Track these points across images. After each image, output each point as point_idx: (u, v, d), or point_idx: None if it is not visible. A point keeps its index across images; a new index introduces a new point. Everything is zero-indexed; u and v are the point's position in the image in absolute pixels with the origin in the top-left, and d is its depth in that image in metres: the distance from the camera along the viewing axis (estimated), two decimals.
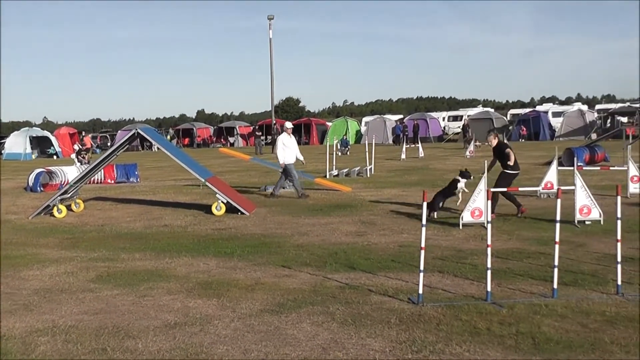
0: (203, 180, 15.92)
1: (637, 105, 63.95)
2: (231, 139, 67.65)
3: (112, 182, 25.93)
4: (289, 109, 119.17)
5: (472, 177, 14.51)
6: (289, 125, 19.89)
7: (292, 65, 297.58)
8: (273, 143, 50.17)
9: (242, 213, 15.32)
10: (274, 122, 57.19)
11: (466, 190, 14.28)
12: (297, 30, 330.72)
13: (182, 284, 9.00)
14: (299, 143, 60.80)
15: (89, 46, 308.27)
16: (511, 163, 14.02)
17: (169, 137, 63.75)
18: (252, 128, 67.94)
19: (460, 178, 14.45)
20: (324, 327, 6.90)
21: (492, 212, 13.22)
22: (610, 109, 61.87)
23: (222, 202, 15.50)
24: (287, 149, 18.61)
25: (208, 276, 9.41)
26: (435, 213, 14.17)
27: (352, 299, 7.90)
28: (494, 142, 14.62)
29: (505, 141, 15.46)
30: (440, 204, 14.54)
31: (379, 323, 6.95)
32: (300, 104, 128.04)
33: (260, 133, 53.51)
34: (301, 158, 19.05)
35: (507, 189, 12.90)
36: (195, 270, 9.86)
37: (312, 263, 10.04)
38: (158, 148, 17.89)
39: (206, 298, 8.21)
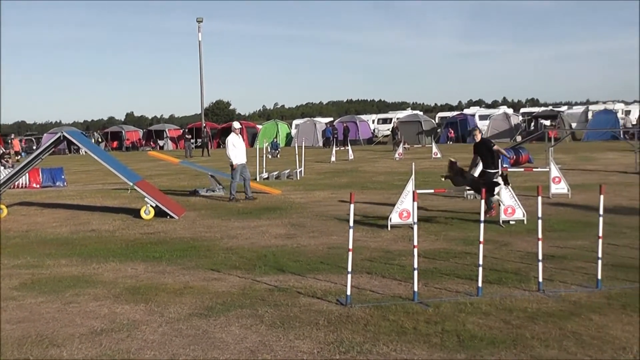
0: (131, 184, 15.73)
1: (560, 109, 65.78)
2: (161, 142, 66.79)
3: (38, 186, 25.35)
4: (219, 112, 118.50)
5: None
6: (237, 125, 19.76)
7: (222, 68, 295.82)
8: (203, 146, 49.82)
9: (171, 217, 15.18)
10: (204, 125, 56.78)
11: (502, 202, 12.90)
12: (227, 33, 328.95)
13: (109, 289, 8.87)
14: None
15: (12, 46, 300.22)
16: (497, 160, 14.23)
17: (93, 140, 62.60)
18: (182, 131, 67.27)
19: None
20: (253, 329, 6.91)
21: (490, 209, 13.51)
22: (534, 112, 63.31)
23: (151, 205, 15.33)
24: (236, 149, 18.50)
25: (136, 281, 9.30)
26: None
27: (280, 302, 7.93)
28: (479, 137, 14.88)
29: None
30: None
31: (308, 325, 7.00)
32: (231, 107, 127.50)
33: (190, 136, 52.98)
34: (245, 160, 18.96)
35: (435, 191, 13.11)
36: (122, 275, 9.73)
37: (242, 266, 10.03)
38: (85, 151, 17.58)
39: (134, 303, 8.11)
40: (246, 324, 7.10)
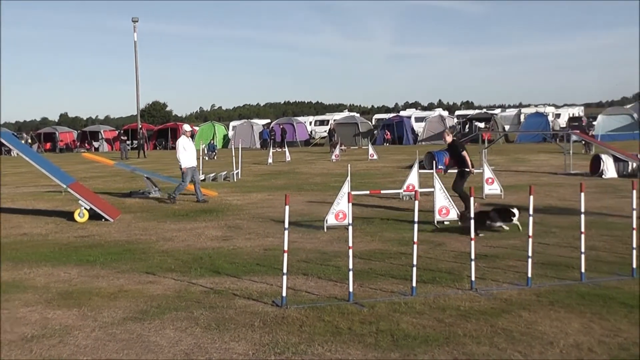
0: (65, 186, 15.43)
1: (493, 112, 67.03)
2: (96, 144, 65.69)
3: None
4: (155, 113, 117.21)
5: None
6: (187, 128, 19.52)
7: (158, 69, 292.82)
8: (139, 148, 49.18)
9: (106, 219, 14.95)
10: (140, 126, 56.02)
11: (505, 228, 12.55)
12: (163, 33, 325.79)
13: (41, 294, 8.69)
14: (165, 148, 59.54)
15: None
16: (468, 162, 14.57)
17: (24, 141, 61.19)
18: (117, 132, 66.26)
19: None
20: (188, 332, 6.87)
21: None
22: (469, 114, 64.41)
23: (85, 208, 15.07)
24: (187, 152, 18.28)
25: (69, 285, 9.13)
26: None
27: (216, 304, 7.90)
28: (448, 139, 15.20)
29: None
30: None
31: (243, 326, 6.99)
32: (167, 108, 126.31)
33: (125, 138, 52.29)
34: (196, 163, 18.94)
35: (371, 192, 13.23)
36: (55, 279, 9.54)
37: (177, 269, 9.95)
38: (17, 153, 17.18)
39: (66, 308, 7.97)
40: (181, 327, 7.05)
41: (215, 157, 41.97)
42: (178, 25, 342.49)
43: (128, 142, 52.28)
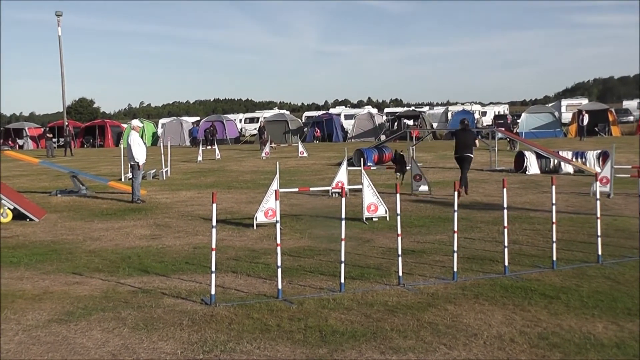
0: None
1: (421, 109, 67.98)
2: (20, 142, 63.97)
3: None
4: (82, 110, 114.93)
5: None
6: (137, 123, 18.95)
7: (85, 65, 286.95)
8: (66, 146, 48.12)
9: (30, 219, 14.61)
10: (67, 123, 54.84)
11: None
12: (89, 29, 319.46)
13: None
14: (92, 145, 58.41)
15: None
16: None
17: None
18: (42, 130, 64.69)
19: None
20: (115, 333, 6.80)
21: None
22: (398, 112, 65.13)
23: (9, 208, 14.70)
24: (141, 148, 17.88)
25: None
26: None
27: (144, 303, 7.83)
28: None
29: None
30: None
31: (171, 325, 6.96)
32: (95, 105, 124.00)
33: (51, 135, 51.07)
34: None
35: (299, 189, 13.29)
36: None
37: (105, 269, 9.81)
38: None
39: None
40: (108, 328, 6.97)
41: None
42: (105, 20, 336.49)
43: (54, 140, 51.09)
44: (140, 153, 17.76)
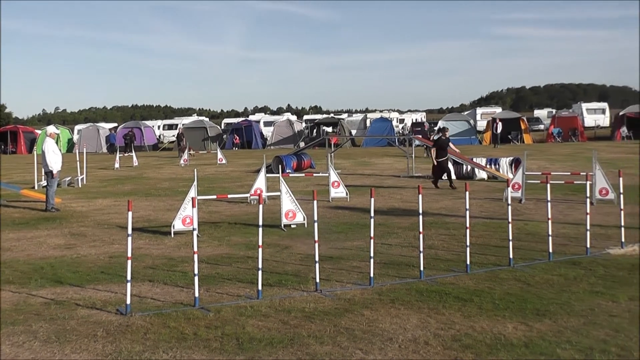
0: None
1: (340, 117, 68.54)
2: None
3: None
4: None
5: None
6: (53, 129, 18.41)
7: None
8: None
9: None
10: None
11: None
12: (2, 32, 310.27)
13: None
14: (4, 152, 56.72)
15: None
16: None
17: None
18: None
19: None
20: (25, 347, 6.61)
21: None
22: (317, 119, 65.51)
23: None
24: (57, 155, 17.33)
25: None
26: None
27: (57, 315, 7.65)
28: (447, 135, 20.70)
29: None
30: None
31: (85, 337, 6.82)
32: (6, 110, 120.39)
33: None
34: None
35: (218, 196, 13.18)
36: None
37: (16, 280, 9.52)
38: None
39: None
40: (18, 342, 6.77)
41: None
42: (18, 20, 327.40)
43: None
44: (55, 161, 17.31)
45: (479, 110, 71.54)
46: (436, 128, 51.55)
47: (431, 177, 23.17)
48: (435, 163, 20.73)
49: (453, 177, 21.09)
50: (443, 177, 20.65)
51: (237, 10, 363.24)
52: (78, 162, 26.53)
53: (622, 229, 10.88)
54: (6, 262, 10.91)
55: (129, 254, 7.62)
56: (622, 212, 11.01)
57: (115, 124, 77.80)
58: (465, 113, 71.09)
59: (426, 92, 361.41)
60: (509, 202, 10.13)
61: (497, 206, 15.78)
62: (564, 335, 6.53)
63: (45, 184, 22.52)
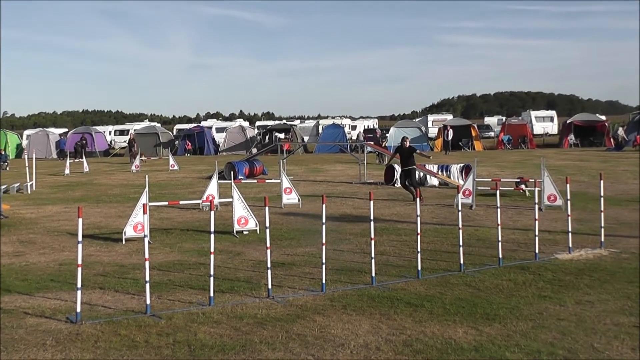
0: None
1: (293, 123, 68.58)
2: None
3: None
4: None
5: None
6: None
7: None
8: None
9: None
10: None
11: None
12: None
13: None
14: None
15: None
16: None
17: None
18: None
19: None
20: None
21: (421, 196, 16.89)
22: (269, 125, 65.46)
23: None
24: None
25: None
26: None
27: (4, 324, 7.53)
28: (407, 144, 19.61)
29: None
30: None
31: (34, 346, 6.74)
32: None
33: None
34: None
35: (169, 203, 13.13)
36: None
37: None
38: None
39: None
40: None
41: (7, 168, 39.69)
42: None
43: None
44: None
45: (431, 117, 72.18)
46: (388, 135, 51.90)
47: (382, 183, 23.39)
48: (399, 171, 20.40)
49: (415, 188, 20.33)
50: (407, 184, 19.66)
51: (186, 15, 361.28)
52: (27, 168, 26.09)
53: (570, 234, 11.13)
54: None
55: (79, 262, 7.55)
56: (570, 218, 11.25)
57: (66, 129, 76.58)
58: (417, 120, 71.73)
59: (378, 99, 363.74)
60: (460, 208, 10.28)
61: (448, 212, 15.99)
62: (512, 339, 6.67)
63: None
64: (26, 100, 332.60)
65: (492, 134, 66.60)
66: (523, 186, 18.97)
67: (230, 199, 13.73)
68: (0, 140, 56.33)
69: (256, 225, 13.35)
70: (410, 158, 19.31)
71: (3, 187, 24.06)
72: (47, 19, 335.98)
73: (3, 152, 44.58)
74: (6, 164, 41.10)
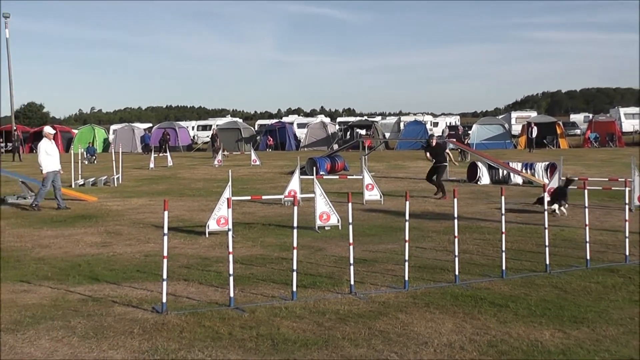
0: None
1: (374, 119, 68.43)
2: None
3: None
4: (31, 114, 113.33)
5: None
6: (50, 130, 18.44)
7: (34, 69, 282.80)
8: (14, 151, 47.30)
9: None
10: (15, 128, 53.84)
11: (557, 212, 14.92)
12: (40, 32, 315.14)
13: None
14: None
15: None
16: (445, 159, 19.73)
17: None
18: None
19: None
20: (64, 342, 6.70)
21: (445, 194, 18.54)
22: (350, 121, 65.52)
23: None
24: (49, 156, 17.44)
25: None
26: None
27: (94, 312, 7.74)
28: (434, 142, 19.93)
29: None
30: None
31: (122, 334, 6.89)
32: (44, 110, 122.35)
33: (0, 140, 50.15)
34: (59, 167, 17.88)
35: (252, 197, 13.24)
36: None
37: (54, 276, 9.66)
38: None
39: None
40: (57, 337, 6.87)
41: (95, 162, 40.91)
42: (54, 24, 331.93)
43: (2, 145, 50.12)
44: (45, 161, 17.38)
45: (514, 114, 70.88)
46: (470, 132, 51.21)
47: (465, 180, 23.15)
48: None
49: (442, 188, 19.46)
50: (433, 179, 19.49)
51: (269, 12, 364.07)
52: (114, 162, 26.81)
53: None
54: (44, 258, 11.07)
55: (165, 253, 7.68)
56: None
57: (150, 124, 78.43)
58: (500, 117, 70.59)
59: (460, 96, 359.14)
60: (545, 207, 10.03)
61: (532, 211, 15.64)
62: (602, 344, 6.45)
63: (82, 182, 22.83)
64: (112, 96, 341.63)
65: (578, 131, 64.92)
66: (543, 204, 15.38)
67: (311, 195, 13.76)
68: (89, 134, 58.07)
69: (338, 221, 13.35)
70: (440, 155, 19.57)
71: (91, 179, 24.81)
72: (133, 18, 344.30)
73: (91, 146, 45.95)
74: (94, 157, 42.34)
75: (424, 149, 20.31)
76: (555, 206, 14.63)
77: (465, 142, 43.60)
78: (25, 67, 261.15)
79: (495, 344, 6.46)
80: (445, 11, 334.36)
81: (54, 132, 18.60)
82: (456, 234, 9.10)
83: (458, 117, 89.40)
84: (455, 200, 9.13)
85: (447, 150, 20.32)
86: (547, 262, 9.54)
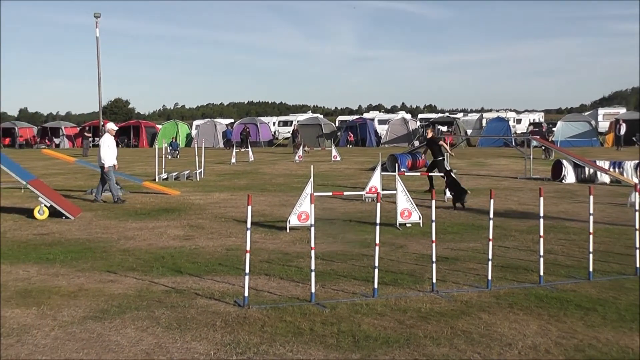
0: (24, 182, 15.23)
1: (455, 116, 67.64)
2: (56, 140, 64.75)
3: None
4: (117, 110, 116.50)
5: None
6: (112, 126, 19.03)
7: (121, 66, 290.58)
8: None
9: (66, 217, 14.77)
10: (102, 123, 55.42)
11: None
12: (126, 31, 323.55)
13: None
14: (127, 146, 59.00)
15: None
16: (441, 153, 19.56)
17: None
18: (79, 129, 65.43)
19: None
20: (149, 332, 6.83)
21: (432, 188, 17.79)
22: (431, 118, 64.94)
23: (45, 205, 14.89)
24: (111, 150, 17.98)
25: (28, 284, 9.01)
26: None
27: (178, 303, 7.87)
28: (430, 134, 20.21)
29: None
30: None
31: (204, 326, 6.98)
32: (130, 106, 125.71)
33: (90, 134, 51.72)
34: (116, 162, 18.35)
35: (333, 193, 13.23)
36: (13, 278, 9.39)
37: (138, 268, 9.89)
38: None
39: (25, 307, 7.86)
40: (142, 326, 7.01)
41: (177, 156, 41.72)
42: (141, 22, 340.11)
43: (91, 139, 51.67)
44: (107, 155, 17.87)
45: (601, 111, 68.92)
46: (554, 129, 50.07)
47: (550, 179, 22.63)
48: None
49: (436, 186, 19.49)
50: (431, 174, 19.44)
51: (350, 9, 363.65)
52: (196, 157, 27.26)
53: None
54: (129, 250, 11.33)
55: (248, 247, 7.74)
56: None
57: (232, 120, 79.52)
58: (586, 113, 68.70)
59: (544, 92, 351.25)
60: (636, 207, 9.68)
61: (620, 212, 15.14)
62: None
63: (165, 177, 23.28)
64: (195, 92, 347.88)
65: None
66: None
67: (392, 191, 13.67)
68: (173, 130, 59.26)
69: (419, 219, 13.22)
70: (434, 149, 19.55)
71: (174, 173, 25.30)
72: (215, 15, 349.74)
73: (175, 141, 46.87)
74: (177, 152, 43.18)
75: (423, 143, 20.27)
76: None
77: (550, 140, 42.63)
78: (112, 64, 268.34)
79: (583, 349, 6.26)
80: (527, 5, 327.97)
81: (116, 128, 19.07)
82: (541, 233, 8.87)
83: (542, 113, 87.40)
84: (541, 199, 8.90)
85: (441, 142, 20.02)
86: (638, 265, 9.20)
